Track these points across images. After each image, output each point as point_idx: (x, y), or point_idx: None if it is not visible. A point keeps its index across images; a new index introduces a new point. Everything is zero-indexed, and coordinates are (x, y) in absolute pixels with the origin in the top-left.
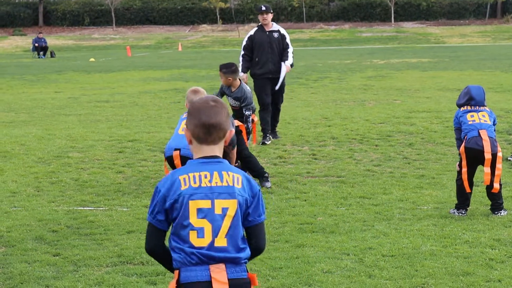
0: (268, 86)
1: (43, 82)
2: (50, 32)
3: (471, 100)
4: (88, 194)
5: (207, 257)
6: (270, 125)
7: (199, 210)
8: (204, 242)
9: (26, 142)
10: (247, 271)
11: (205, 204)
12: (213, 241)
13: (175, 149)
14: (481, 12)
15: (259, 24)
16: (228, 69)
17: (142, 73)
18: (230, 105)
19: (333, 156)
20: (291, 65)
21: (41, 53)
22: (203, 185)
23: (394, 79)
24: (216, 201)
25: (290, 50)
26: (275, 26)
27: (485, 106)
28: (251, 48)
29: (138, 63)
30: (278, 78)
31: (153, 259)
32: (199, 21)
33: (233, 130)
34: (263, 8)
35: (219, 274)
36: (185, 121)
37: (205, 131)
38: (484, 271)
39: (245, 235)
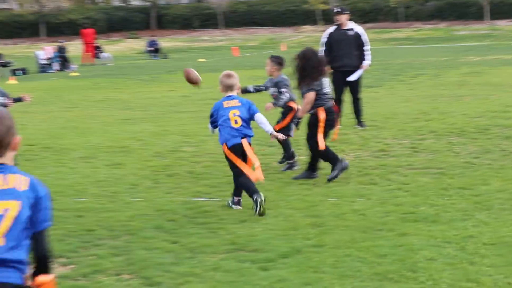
0: (342, 82)
1: (156, 82)
2: (162, 35)
3: None
4: (202, 185)
5: None
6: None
7: None
8: None
9: (143, 137)
10: (23, 275)
11: None
12: None
13: (242, 137)
14: None
15: (337, 23)
16: (276, 59)
17: (249, 72)
18: (271, 95)
19: (432, 149)
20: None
21: (154, 54)
22: None
23: (490, 75)
24: None
25: (367, 48)
26: (350, 25)
27: None
28: (330, 44)
29: (244, 62)
30: (353, 71)
31: (265, 247)
32: (301, 22)
33: (20, 137)
34: (338, 10)
35: None
36: (233, 111)
37: None
38: None
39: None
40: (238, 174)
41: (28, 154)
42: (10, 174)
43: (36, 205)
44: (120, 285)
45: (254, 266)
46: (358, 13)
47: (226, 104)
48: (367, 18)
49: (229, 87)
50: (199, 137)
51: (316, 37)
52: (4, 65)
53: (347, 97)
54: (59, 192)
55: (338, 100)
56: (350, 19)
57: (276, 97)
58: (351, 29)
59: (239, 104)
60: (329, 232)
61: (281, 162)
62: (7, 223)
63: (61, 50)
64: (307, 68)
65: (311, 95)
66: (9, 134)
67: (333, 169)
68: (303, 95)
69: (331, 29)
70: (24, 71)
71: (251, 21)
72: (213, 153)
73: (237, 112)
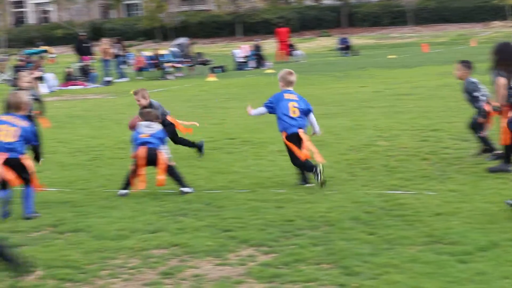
0: None
1: (348, 78)
2: (353, 32)
3: None
4: (397, 179)
5: None
6: None
7: None
8: None
9: (338, 132)
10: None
11: None
12: None
13: (299, 128)
14: None
15: None
16: (466, 63)
17: (439, 68)
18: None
19: None
20: None
21: (345, 51)
22: None
23: None
24: None
25: None
26: None
27: None
28: None
29: (435, 58)
30: None
31: (463, 239)
32: (490, 18)
33: None
34: None
35: None
36: (292, 103)
37: None
38: None
39: None
40: (295, 158)
41: (229, 148)
42: None
43: None
44: (320, 274)
45: (452, 258)
46: None
47: (286, 96)
48: None
49: (290, 83)
50: (392, 132)
51: (506, 32)
52: (204, 63)
53: None
54: (259, 184)
55: None
56: None
57: (470, 100)
58: None
59: (297, 98)
60: None
61: (477, 155)
62: None
63: (257, 48)
64: (507, 60)
65: (501, 80)
66: None
67: (501, 164)
68: (493, 82)
69: None
70: (222, 69)
71: (440, 17)
72: (406, 147)
73: (296, 104)
